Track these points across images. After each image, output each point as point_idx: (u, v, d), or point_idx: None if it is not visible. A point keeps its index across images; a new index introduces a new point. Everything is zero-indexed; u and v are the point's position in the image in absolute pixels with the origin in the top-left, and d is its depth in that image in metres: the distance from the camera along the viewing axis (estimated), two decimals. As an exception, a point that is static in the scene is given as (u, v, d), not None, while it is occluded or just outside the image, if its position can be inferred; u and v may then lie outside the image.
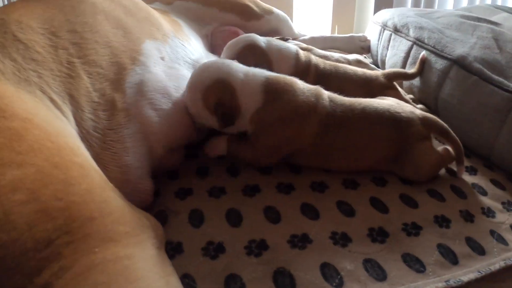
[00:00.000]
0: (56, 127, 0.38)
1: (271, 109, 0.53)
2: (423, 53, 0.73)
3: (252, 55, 0.66)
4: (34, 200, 0.29)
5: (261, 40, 0.68)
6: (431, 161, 0.55)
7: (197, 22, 0.82)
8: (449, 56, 0.68)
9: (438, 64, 0.69)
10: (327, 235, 0.46)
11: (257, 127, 0.54)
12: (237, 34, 0.84)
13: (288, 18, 0.96)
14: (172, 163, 0.58)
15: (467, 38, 0.71)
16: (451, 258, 0.44)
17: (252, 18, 0.88)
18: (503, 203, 0.54)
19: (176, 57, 0.63)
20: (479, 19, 0.77)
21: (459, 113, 0.65)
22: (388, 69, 0.72)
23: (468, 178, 0.59)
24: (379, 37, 0.91)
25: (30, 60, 0.42)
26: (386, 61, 0.86)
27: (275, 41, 0.69)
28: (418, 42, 0.76)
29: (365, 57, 0.98)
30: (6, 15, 0.45)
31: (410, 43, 0.78)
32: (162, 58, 0.59)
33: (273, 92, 0.53)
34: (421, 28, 0.77)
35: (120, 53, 0.52)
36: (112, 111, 0.47)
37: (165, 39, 0.63)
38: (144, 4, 0.67)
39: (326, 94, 0.56)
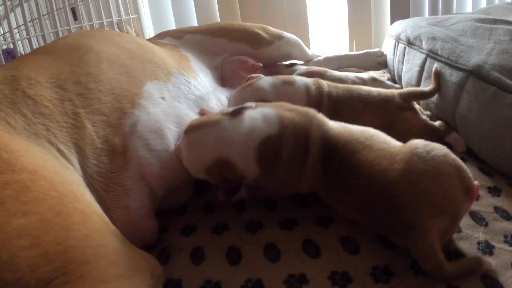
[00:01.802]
0: (62, 176, 0.41)
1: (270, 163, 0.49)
2: (435, 66, 0.67)
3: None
4: (36, 245, 0.33)
5: (267, 88, 0.65)
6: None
7: (206, 54, 0.83)
8: (464, 67, 0.62)
9: (454, 76, 0.63)
10: (326, 274, 0.43)
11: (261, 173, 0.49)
12: (247, 64, 0.84)
13: (300, 41, 0.94)
14: (178, 200, 0.58)
15: (483, 44, 0.64)
16: (465, 301, 0.39)
17: (262, 46, 0.87)
18: None
19: (177, 94, 0.63)
20: (495, 21, 0.70)
21: (478, 129, 0.58)
22: (404, 89, 0.67)
23: (490, 200, 0.52)
24: (394, 51, 0.86)
25: (39, 114, 0.45)
26: (402, 76, 0.81)
27: (281, 85, 0.66)
28: (432, 54, 0.70)
29: (384, 72, 0.94)
30: (17, 72, 0.49)
31: (423, 55, 0.72)
32: (163, 98, 0.60)
33: (271, 147, 0.49)
34: (433, 38, 0.71)
35: (122, 99, 0.54)
36: (113, 155, 0.49)
37: (168, 77, 0.64)
38: (149, 46, 0.69)
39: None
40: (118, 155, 0.50)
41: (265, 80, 0.68)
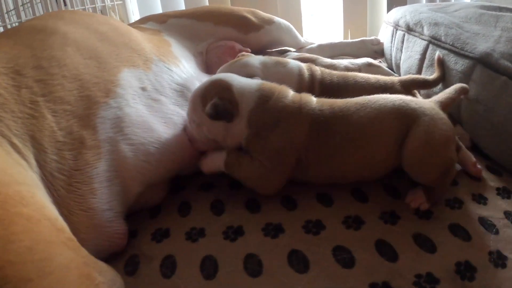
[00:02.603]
0: (11, 174, 0.35)
1: (263, 109, 0.48)
2: (438, 53, 0.61)
3: None
4: None
5: (256, 65, 0.59)
6: None
7: (191, 39, 0.76)
8: (470, 55, 0.55)
9: (459, 64, 0.57)
10: (315, 292, 0.37)
11: (254, 130, 0.47)
12: (233, 50, 0.76)
13: (292, 27, 0.86)
14: (153, 200, 0.51)
15: (489, 31, 0.57)
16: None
17: (250, 30, 0.80)
18: None
19: (161, 84, 0.56)
20: (500, 9, 0.63)
21: (486, 122, 0.52)
22: (405, 76, 0.60)
23: (500, 203, 0.46)
24: (392, 39, 0.79)
25: None
26: (401, 64, 0.74)
27: (273, 64, 0.60)
28: (434, 41, 0.63)
29: (380, 61, 0.87)
30: None
31: (425, 42, 0.66)
32: (144, 89, 0.53)
33: (265, 94, 0.49)
34: (436, 24, 0.64)
35: (91, 86, 0.47)
36: (79, 150, 0.43)
37: (147, 65, 0.57)
38: (125, 28, 0.62)
39: (313, 98, 0.50)
40: (86, 150, 0.43)
41: (255, 58, 0.61)
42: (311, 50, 0.87)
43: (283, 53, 0.83)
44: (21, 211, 0.32)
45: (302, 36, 0.95)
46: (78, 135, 0.44)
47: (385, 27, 0.85)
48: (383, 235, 0.42)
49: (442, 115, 0.46)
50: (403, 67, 0.72)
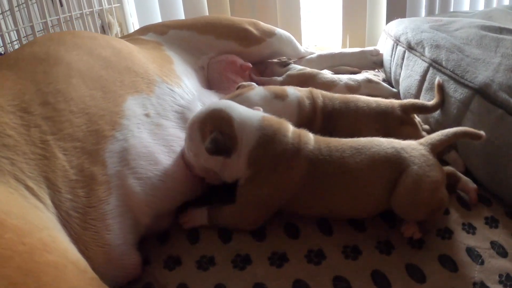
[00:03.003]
0: (31, 221, 0.36)
1: (264, 151, 0.48)
2: (438, 78, 0.62)
3: None
4: None
5: (256, 100, 0.60)
6: None
7: (192, 52, 0.76)
8: (470, 84, 0.57)
9: (458, 93, 0.58)
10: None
11: (253, 172, 0.48)
12: (234, 65, 0.77)
13: (292, 38, 0.86)
14: (162, 227, 0.53)
15: (490, 57, 0.59)
16: None
17: (252, 44, 0.80)
18: None
19: (163, 108, 0.57)
20: (501, 30, 0.64)
21: (481, 153, 0.54)
22: (405, 101, 0.62)
23: (488, 233, 0.49)
24: (392, 53, 0.80)
25: (2, 146, 0.39)
26: (400, 81, 0.76)
27: (272, 99, 0.61)
28: (435, 65, 0.64)
29: (377, 70, 0.88)
30: None
31: (426, 64, 0.67)
32: (147, 115, 0.54)
33: (266, 133, 0.49)
34: (437, 46, 0.66)
35: (98, 119, 0.47)
36: (91, 187, 0.44)
37: (151, 88, 0.57)
38: (127, 50, 0.61)
39: (311, 136, 0.51)
40: (97, 186, 0.44)
41: (255, 92, 0.62)
42: (311, 61, 0.88)
43: (284, 65, 0.84)
44: (47, 259, 0.33)
45: (301, 39, 0.95)
46: (89, 171, 0.44)
47: (385, 38, 0.85)
48: (378, 265, 0.46)
49: (431, 160, 0.48)
50: (403, 85, 0.74)
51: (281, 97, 0.61)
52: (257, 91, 0.62)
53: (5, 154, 0.39)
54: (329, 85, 0.75)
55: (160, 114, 0.56)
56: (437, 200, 0.47)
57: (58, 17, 0.90)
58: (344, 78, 0.76)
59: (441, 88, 0.62)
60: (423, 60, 0.68)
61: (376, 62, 0.87)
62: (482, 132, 0.49)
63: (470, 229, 0.50)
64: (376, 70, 0.87)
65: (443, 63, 0.63)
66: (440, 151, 0.51)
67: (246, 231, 0.51)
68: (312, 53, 0.90)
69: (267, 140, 0.49)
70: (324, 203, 0.50)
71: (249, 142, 0.49)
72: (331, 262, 0.47)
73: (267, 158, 0.48)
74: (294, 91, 0.62)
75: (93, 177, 0.44)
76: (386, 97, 0.76)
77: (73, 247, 0.39)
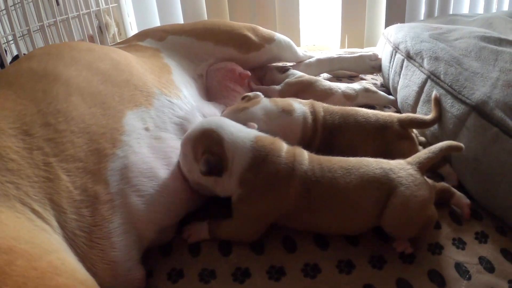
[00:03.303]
0: (40, 244, 0.37)
1: (257, 172, 0.50)
2: (435, 93, 0.63)
3: None
4: None
5: (260, 116, 0.60)
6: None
7: (191, 59, 0.75)
8: (467, 101, 0.57)
9: (455, 108, 0.59)
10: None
11: (245, 191, 0.50)
12: (233, 73, 0.77)
13: (291, 43, 0.86)
14: (164, 239, 0.55)
15: (488, 71, 0.59)
16: None
17: (251, 50, 0.79)
18: (509, 282, 0.47)
19: (162, 120, 0.58)
20: (500, 41, 0.64)
21: (474, 170, 0.55)
22: (404, 115, 0.62)
23: (476, 248, 0.51)
24: (390, 59, 0.80)
25: (6, 171, 0.40)
26: (398, 90, 0.76)
27: (278, 114, 0.61)
28: (433, 78, 0.65)
29: (375, 74, 0.89)
30: None
31: (424, 76, 0.67)
32: (147, 129, 0.54)
33: (259, 155, 0.50)
34: (436, 58, 0.66)
35: (99, 138, 0.48)
36: (95, 206, 0.44)
37: (149, 101, 0.58)
38: (125, 62, 0.61)
39: (306, 155, 0.52)
40: (101, 205, 0.45)
41: (260, 107, 0.61)
42: (309, 65, 0.88)
43: (283, 71, 0.84)
44: (58, 282, 0.34)
45: (300, 41, 0.95)
46: (93, 191, 0.45)
47: (383, 43, 0.85)
48: (370, 279, 0.48)
49: (419, 179, 0.49)
50: (400, 94, 0.74)
51: (289, 112, 0.61)
52: (262, 105, 0.62)
53: (9, 178, 0.39)
54: (327, 93, 0.75)
55: (160, 127, 0.57)
56: (425, 218, 0.49)
57: (55, 19, 0.89)
58: (342, 86, 0.77)
59: (438, 102, 0.62)
60: (421, 71, 0.68)
61: (374, 66, 0.87)
62: (461, 145, 0.53)
63: (460, 244, 0.52)
64: (375, 74, 0.87)
65: (441, 76, 0.63)
66: (429, 167, 0.52)
67: (246, 245, 0.53)
68: (311, 57, 0.90)
69: (260, 161, 0.50)
70: (315, 221, 0.51)
71: (241, 163, 0.50)
72: (326, 276, 0.49)
73: (260, 179, 0.50)
74: (300, 106, 0.62)
75: (96, 196, 0.45)
76: (384, 105, 0.77)
77: (81, 266, 0.40)
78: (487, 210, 0.57)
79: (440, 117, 0.62)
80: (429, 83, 0.66)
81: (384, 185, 0.48)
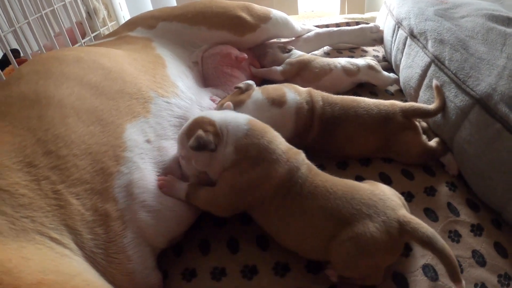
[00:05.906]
0: (63, 271, 0.38)
1: (253, 143, 0.50)
2: (435, 82, 0.59)
3: None
4: None
5: (250, 110, 0.57)
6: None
7: (184, 46, 0.70)
8: (471, 92, 0.54)
9: (458, 99, 0.55)
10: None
11: (240, 157, 0.50)
12: (229, 57, 0.72)
13: (288, 19, 0.79)
14: (175, 241, 0.56)
15: (495, 57, 0.55)
16: None
17: (246, 32, 0.73)
18: (499, 276, 0.49)
19: (162, 126, 0.56)
20: (509, 21, 0.58)
21: (474, 165, 0.54)
22: (407, 105, 0.59)
23: (471, 241, 0.53)
24: (393, 34, 0.74)
25: (19, 207, 0.40)
26: (401, 69, 0.71)
27: (268, 105, 0.58)
28: (437, 62, 0.60)
29: (377, 51, 0.83)
30: None
31: (428, 59, 0.62)
32: (148, 141, 0.53)
33: (256, 131, 0.51)
34: (441, 41, 0.60)
35: (102, 157, 0.47)
36: (107, 224, 0.45)
37: (147, 108, 0.55)
38: (117, 68, 0.57)
39: (302, 156, 0.52)
40: (112, 222, 0.46)
41: (251, 100, 0.59)
42: (308, 40, 0.82)
43: (287, 51, 0.77)
44: None
45: (297, 7, 0.88)
46: (103, 210, 0.45)
47: (386, 14, 0.78)
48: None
49: (371, 228, 0.45)
50: (403, 74, 0.70)
51: (279, 104, 0.59)
52: (253, 99, 0.59)
53: (24, 213, 0.39)
54: (325, 70, 0.71)
55: (160, 135, 0.55)
56: (368, 268, 0.46)
57: (40, 14, 0.82)
58: (342, 61, 0.72)
59: (440, 90, 0.59)
60: (425, 53, 0.63)
61: (376, 39, 0.81)
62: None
63: (455, 236, 0.53)
64: (376, 56, 0.81)
65: (446, 62, 0.59)
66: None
67: (252, 241, 0.55)
68: (309, 30, 0.84)
69: (256, 134, 0.50)
70: (276, 226, 0.51)
71: (237, 134, 0.50)
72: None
73: (254, 150, 0.49)
74: (293, 96, 0.59)
75: (107, 214, 0.45)
76: (384, 86, 0.74)
77: (104, 282, 0.42)
78: (486, 203, 0.57)
79: (444, 106, 0.59)
80: (433, 67, 0.62)
81: (337, 218, 0.46)
